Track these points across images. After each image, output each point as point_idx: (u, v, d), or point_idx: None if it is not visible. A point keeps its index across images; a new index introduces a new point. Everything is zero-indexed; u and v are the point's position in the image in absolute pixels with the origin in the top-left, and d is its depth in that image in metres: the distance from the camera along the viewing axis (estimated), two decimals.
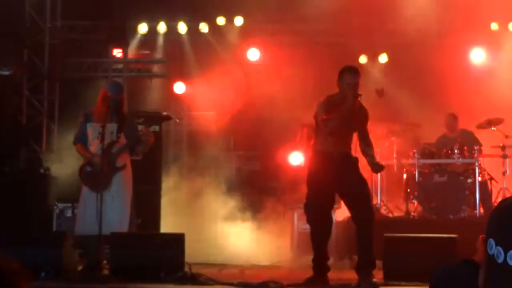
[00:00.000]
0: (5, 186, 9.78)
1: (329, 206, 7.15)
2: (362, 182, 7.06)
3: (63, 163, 10.18)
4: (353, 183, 6.91)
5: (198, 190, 10.92)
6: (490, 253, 1.48)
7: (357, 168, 7.07)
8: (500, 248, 1.46)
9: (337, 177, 6.84)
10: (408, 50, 11.62)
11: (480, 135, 10.62)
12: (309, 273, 6.89)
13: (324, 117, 6.86)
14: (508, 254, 1.45)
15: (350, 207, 7.08)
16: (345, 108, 6.82)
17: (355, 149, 8.56)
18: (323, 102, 6.97)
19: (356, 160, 7.10)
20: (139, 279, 6.63)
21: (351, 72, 6.99)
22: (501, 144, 10.14)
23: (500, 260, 1.46)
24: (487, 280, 1.50)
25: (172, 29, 12.37)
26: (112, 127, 7.24)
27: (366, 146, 7.21)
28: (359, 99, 6.96)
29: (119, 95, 7.37)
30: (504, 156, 10.07)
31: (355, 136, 7.19)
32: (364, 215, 6.88)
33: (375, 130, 10.07)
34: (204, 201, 10.44)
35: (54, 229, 9.13)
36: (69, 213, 9.21)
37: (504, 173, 10.06)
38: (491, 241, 1.49)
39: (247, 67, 12.15)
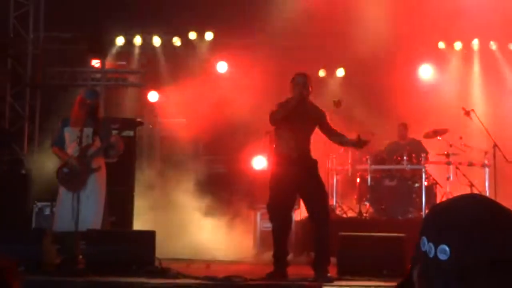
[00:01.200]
0: None
1: (290, 207, 7.14)
2: (320, 184, 7.04)
3: (43, 165, 10.06)
4: (311, 185, 6.89)
5: (169, 191, 10.87)
6: (423, 249, 1.49)
7: (316, 170, 7.04)
8: (431, 244, 1.47)
9: (297, 179, 6.82)
10: (364, 66, 11.70)
11: (427, 143, 10.74)
12: (270, 268, 6.86)
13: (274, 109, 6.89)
14: (438, 248, 1.46)
15: (308, 208, 7.07)
16: (291, 101, 6.86)
17: (326, 150, 8.62)
18: (276, 104, 7.02)
19: (315, 162, 7.07)
20: (113, 272, 6.58)
21: (298, 74, 7.07)
22: (445, 152, 10.24)
23: (431, 255, 1.47)
24: (420, 275, 1.51)
25: (147, 42, 12.33)
26: (88, 131, 7.19)
27: (337, 136, 7.19)
28: (310, 99, 7.04)
29: (95, 101, 7.33)
30: (448, 163, 10.18)
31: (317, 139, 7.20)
32: (321, 215, 6.88)
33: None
34: (174, 201, 10.39)
35: (34, 226, 9.01)
36: (47, 211, 9.10)
37: (448, 178, 10.16)
38: (424, 239, 1.50)
39: (216, 78, 12.15)
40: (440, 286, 1.46)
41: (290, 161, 6.90)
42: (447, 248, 1.45)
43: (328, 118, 7.23)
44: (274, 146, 7.23)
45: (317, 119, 7.12)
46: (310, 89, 7.06)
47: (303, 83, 6.98)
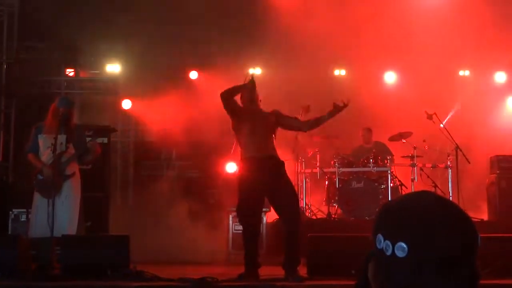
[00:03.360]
0: None
1: (258, 209, 7.02)
2: (288, 184, 6.97)
3: (18, 172, 9.93)
4: (280, 187, 6.83)
5: (143, 195, 10.81)
6: (379, 247, 1.50)
7: (283, 172, 6.96)
8: (388, 242, 1.48)
9: (264, 180, 6.77)
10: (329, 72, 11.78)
11: (392, 146, 10.82)
12: (242, 269, 6.86)
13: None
14: (396, 246, 1.46)
15: (278, 210, 7.01)
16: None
17: (295, 154, 8.60)
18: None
19: (282, 163, 7.00)
20: (88, 276, 6.52)
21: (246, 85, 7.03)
22: (410, 154, 10.33)
23: (389, 253, 1.47)
24: (377, 273, 1.51)
25: (120, 51, 12.25)
26: (61, 138, 7.12)
27: (308, 122, 7.14)
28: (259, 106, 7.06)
29: (68, 109, 7.26)
30: (413, 165, 10.27)
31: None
32: (291, 216, 6.83)
33: (301, 142, 10.21)
34: (149, 205, 10.34)
35: (9, 232, 8.88)
36: (23, 218, 8.97)
37: (412, 180, 10.25)
38: (379, 236, 1.50)
39: (188, 86, 12.12)
40: (399, 282, 1.46)
41: (253, 163, 6.85)
42: (404, 246, 1.45)
43: (282, 111, 7.14)
44: (240, 149, 7.19)
45: (273, 117, 7.05)
46: (259, 96, 7.08)
47: (252, 87, 7.01)
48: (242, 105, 7.04)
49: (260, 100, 7.10)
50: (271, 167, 6.86)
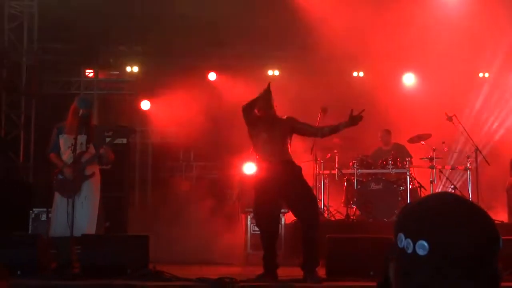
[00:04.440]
0: None
1: (275, 210, 7.05)
2: (306, 188, 6.98)
3: (39, 172, 10.01)
4: (296, 190, 6.81)
5: (162, 196, 10.85)
6: (400, 246, 1.50)
7: (300, 175, 6.96)
8: (409, 240, 1.48)
9: (280, 184, 6.76)
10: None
11: (411, 148, 10.77)
12: (260, 270, 6.87)
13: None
14: (417, 244, 1.46)
15: (296, 213, 7.01)
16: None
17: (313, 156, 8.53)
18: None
19: (298, 168, 7.00)
20: (107, 276, 6.56)
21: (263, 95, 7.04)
22: (429, 156, 10.28)
23: (410, 251, 1.47)
24: (398, 272, 1.50)
25: (139, 52, 12.33)
26: (81, 138, 7.17)
27: (324, 128, 7.15)
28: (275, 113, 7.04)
29: (88, 109, 7.30)
30: (432, 167, 10.21)
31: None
32: (309, 219, 6.81)
33: (319, 143, 10.19)
34: (167, 206, 10.38)
35: (30, 231, 8.96)
36: (44, 217, 9.05)
37: (431, 182, 10.19)
38: (401, 235, 1.50)
39: (207, 87, 12.15)
40: (420, 281, 1.46)
41: (269, 167, 6.86)
42: (425, 244, 1.45)
43: (297, 118, 7.15)
44: (256, 154, 7.19)
45: (288, 124, 7.06)
46: (274, 103, 7.07)
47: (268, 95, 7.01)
48: (258, 112, 7.03)
49: (276, 106, 7.09)
50: (287, 171, 6.86)
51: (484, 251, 1.45)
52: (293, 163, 7.01)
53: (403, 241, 1.49)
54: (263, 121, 6.98)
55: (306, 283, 6.54)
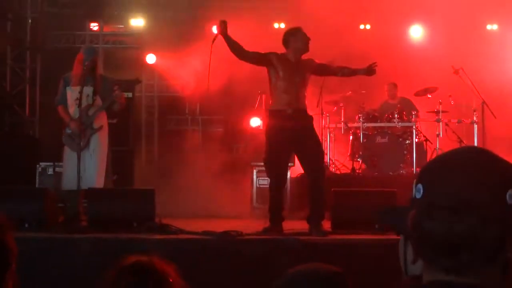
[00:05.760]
0: None
1: (285, 162, 7.09)
2: (316, 141, 7.01)
3: (45, 126, 9.99)
4: (307, 141, 6.83)
5: (168, 150, 10.85)
6: (418, 196, 1.49)
7: (312, 127, 6.99)
8: (414, 185, 1.50)
9: (292, 134, 6.76)
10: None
11: (417, 101, 10.70)
12: (266, 223, 6.89)
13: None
14: (416, 187, 1.49)
15: (304, 164, 7.00)
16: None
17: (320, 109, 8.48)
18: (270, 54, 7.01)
19: (311, 118, 7.02)
20: (114, 229, 6.58)
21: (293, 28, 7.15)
22: (435, 110, 10.21)
23: (413, 195, 1.49)
24: (415, 221, 1.49)
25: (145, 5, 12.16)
26: (88, 90, 7.12)
27: (343, 68, 7.18)
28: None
29: (92, 58, 7.22)
30: (438, 120, 10.16)
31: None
32: (316, 171, 6.84)
33: (325, 97, 10.11)
34: (173, 160, 10.38)
35: (37, 185, 8.99)
36: (50, 171, 9.07)
37: (438, 135, 10.15)
38: (419, 186, 1.49)
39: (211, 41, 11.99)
40: (415, 222, 1.47)
41: (284, 116, 6.82)
42: (421, 187, 1.48)
43: (316, 60, 7.13)
44: (270, 102, 7.15)
45: (308, 67, 7.01)
46: (302, 44, 6.99)
47: (300, 39, 6.97)
48: (286, 50, 6.93)
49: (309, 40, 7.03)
50: (300, 122, 6.84)
51: (475, 203, 1.41)
52: (306, 112, 7.00)
53: (414, 188, 1.51)
54: (284, 66, 6.87)
55: (311, 236, 6.56)
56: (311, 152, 6.84)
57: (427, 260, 1.47)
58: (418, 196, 1.47)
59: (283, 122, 6.81)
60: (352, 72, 7.24)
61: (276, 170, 6.95)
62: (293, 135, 6.78)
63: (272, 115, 7.00)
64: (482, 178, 1.44)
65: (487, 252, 1.42)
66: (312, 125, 7.02)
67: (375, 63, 7.11)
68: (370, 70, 7.11)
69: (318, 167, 6.88)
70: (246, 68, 10.30)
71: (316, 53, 7.21)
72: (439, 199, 1.43)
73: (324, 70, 7.25)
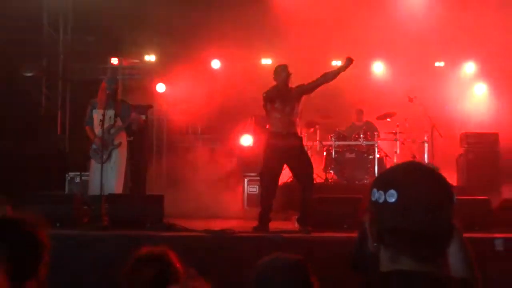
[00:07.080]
0: (29, 161, 9.65)
1: (278, 174, 7.14)
2: (306, 157, 7.17)
3: (72, 144, 10.01)
4: (299, 156, 6.98)
5: (174, 163, 10.86)
6: (373, 199, 1.51)
7: (302, 145, 7.17)
8: (381, 192, 1.50)
9: (287, 151, 6.88)
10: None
11: (379, 124, 10.79)
12: (255, 223, 6.93)
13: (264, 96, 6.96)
14: (387, 193, 1.48)
15: (297, 177, 7.12)
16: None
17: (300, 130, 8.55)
18: (264, 92, 7.06)
19: (300, 138, 7.19)
20: (130, 228, 6.61)
21: (280, 66, 7.18)
22: (394, 131, 10.32)
23: (381, 201, 1.49)
24: (372, 220, 1.52)
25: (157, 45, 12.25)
26: (110, 112, 7.19)
27: (325, 75, 7.05)
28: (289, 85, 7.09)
29: (114, 85, 7.29)
30: (396, 140, 10.28)
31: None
32: (308, 183, 6.97)
33: (305, 120, 10.19)
34: (179, 171, 10.40)
35: (66, 191, 9.01)
36: (77, 180, 9.10)
37: (395, 152, 10.26)
38: (374, 190, 1.52)
39: (211, 73, 12.08)
40: (389, 224, 1.47)
41: (280, 137, 6.94)
42: (394, 192, 1.47)
43: (301, 83, 7.13)
44: (268, 125, 7.23)
45: (297, 93, 7.08)
46: (290, 77, 7.09)
47: (286, 73, 7.02)
48: (276, 82, 7.02)
49: (291, 74, 7.07)
50: (293, 142, 6.96)
51: (442, 198, 1.47)
52: (296, 134, 7.13)
53: (376, 194, 1.49)
54: (279, 99, 6.97)
55: (293, 233, 6.59)
56: (302, 165, 6.95)
57: (396, 251, 1.45)
58: (392, 200, 1.46)
59: (279, 141, 6.91)
60: (335, 74, 7.04)
61: (269, 182, 7.00)
62: (287, 152, 6.88)
63: (270, 136, 7.10)
64: (440, 185, 1.50)
65: (447, 242, 1.47)
66: (302, 143, 7.19)
67: (349, 56, 6.96)
68: (349, 60, 6.92)
69: (309, 180, 6.99)
70: (239, 96, 10.40)
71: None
72: (413, 201, 1.44)
73: (311, 86, 7.13)
